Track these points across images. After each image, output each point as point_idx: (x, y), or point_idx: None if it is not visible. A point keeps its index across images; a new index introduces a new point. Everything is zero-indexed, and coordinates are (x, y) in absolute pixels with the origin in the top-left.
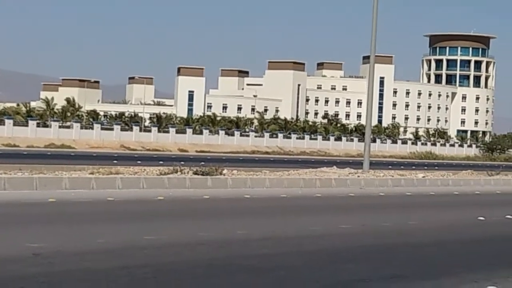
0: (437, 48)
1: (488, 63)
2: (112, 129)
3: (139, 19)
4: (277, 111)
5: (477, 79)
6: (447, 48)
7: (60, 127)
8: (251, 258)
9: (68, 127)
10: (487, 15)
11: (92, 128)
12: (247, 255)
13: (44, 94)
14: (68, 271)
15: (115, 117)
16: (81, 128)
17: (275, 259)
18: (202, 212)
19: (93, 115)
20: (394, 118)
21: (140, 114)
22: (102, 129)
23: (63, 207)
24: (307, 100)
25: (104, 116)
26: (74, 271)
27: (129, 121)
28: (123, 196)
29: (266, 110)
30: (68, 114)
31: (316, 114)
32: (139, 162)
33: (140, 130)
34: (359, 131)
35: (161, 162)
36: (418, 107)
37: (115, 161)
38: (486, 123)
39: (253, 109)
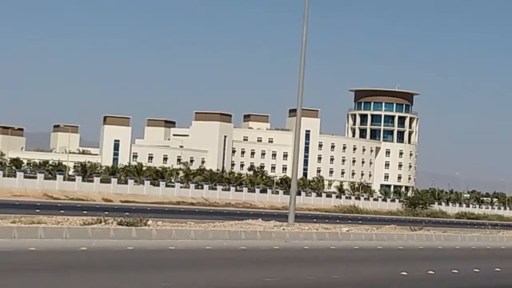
0: (362, 103)
1: (411, 119)
2: (35, 178)
3: (64, 66)
4: (203, 162)
5: (400, 135)
6: (372, 103)
7: None
8: None
9: None
10: (411, 72)
11: (15, 176)
12: None
13: None
14: None
15: (39, 165)
16: (4, 176)
17: None
18: (125, 263)
19: (16, 163)
20: (319, 171)
21: (64, 163)
22: (25, 177)
23: None
24: (233, 151)
25: (28, 164)
26: None
27: (53, 170)
28: (45, 246)
29: (192, 161)
30: None
31: (242, 165)
32: (62, 211)
33: (64, 179)
34: (284, 184)
35: (84, 212)
36: (343, 160)
37: (37, 210)
38: (409, 178)
39: (179, 160)
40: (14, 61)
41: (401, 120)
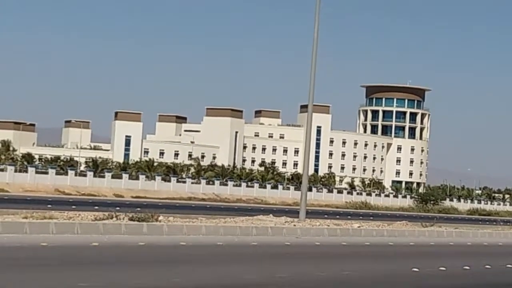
0: (374, 99)
1: (423, 115)
2: (47, 173)
3: (75, 61)
4: (214, 157)
5: (412, 131)
6: (383, 99)
7: None
8: None
9: (1, 170)
10: (423, 68)
11: (27, 172)
12: None
13: None
14: None
15: (50, 161)
16: (15, 171)
17: None
18: (137, 259)
19: (28, 159)
20: (330, 167)
21: (76, 158)
22: (36, 172)
23: None
24: (245, 147)
25: (39, 159)
26: None
27: (64, 165)
28: (57, 241)
29: (203, 157)
30: (2, 157)
31: (253, 161)
32: (73, 207)
33: (76, 175)
34: (295, 180)
35: (96, 207)
36: (354, 157)
37: (49, 206)
38: (421, 174)
39: (190, 155)
40: (25, 57)
41: (413, 116)
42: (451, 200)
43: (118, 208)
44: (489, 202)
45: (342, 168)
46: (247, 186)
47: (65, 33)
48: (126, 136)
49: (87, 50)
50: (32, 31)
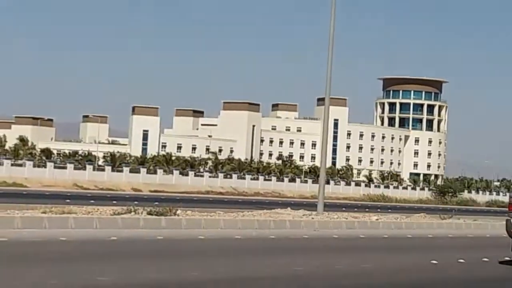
0: (391, 91)
1: (440, 107)
2: (65, 168)
3: (93, 57)
4: (231, 151)
5: (429, 123)
6: (401, 92)
7: (12, 165)
8: None
9: (20, 165)
10: (440, 59)
11: (45, 167)
12: None
13: None
14: None
15: (69, 156)
16: (34, 166)
17: None
18: (155, 253)
19: (47, 154)
20: (347, 160)
21: (93, 153)
22: (55, 167)
23: (15, 247)
24: (262, 141)
25: (58, 154)
26: None
27: (82, 160)
28: (76, 236)
29: (220, 151)
30: (21, 152)
31: (270, 155)
32: (92, 201)
33: (94, 169)
34: (313, 173)
35: (114, 202)
36: (372, 149)
37: (68, 200)
38: (439, 167)
39: (207, 149)
40: (43, 52)
41: (430, 108)
42: (470, 192)
43: (136, 203)
44: (507, 194)
45: (360, 161)
46: (265, 179)
47: (81, 27)
48: (144, 130)
49: (104, 45)
50: (48, 27)
